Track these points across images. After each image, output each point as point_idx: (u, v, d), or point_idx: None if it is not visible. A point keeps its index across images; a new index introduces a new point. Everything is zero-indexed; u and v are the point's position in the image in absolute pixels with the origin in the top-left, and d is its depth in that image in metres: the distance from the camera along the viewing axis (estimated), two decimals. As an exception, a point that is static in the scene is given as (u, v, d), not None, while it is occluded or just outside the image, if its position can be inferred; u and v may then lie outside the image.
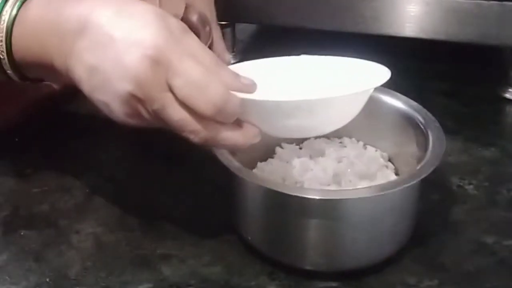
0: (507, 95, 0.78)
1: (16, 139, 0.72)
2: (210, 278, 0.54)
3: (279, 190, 0.51)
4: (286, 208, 0.52)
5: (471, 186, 0.63)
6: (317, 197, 0.50)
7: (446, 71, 0.83)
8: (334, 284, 0.53)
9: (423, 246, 0.56)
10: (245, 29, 0.97)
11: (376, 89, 0.52)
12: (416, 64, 0.84)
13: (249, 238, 0.56)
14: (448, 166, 0.64)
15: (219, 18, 0.71)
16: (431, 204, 0.57)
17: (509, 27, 0.73)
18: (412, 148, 0.58)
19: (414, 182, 0.51)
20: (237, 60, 0.84)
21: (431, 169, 0.51)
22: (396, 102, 0.61)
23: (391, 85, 0.61)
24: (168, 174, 0.67)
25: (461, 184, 0.64)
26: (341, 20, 0.79)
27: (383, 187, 0.53)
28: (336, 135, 0.63)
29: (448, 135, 0.56)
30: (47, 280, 0.55)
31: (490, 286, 0.53)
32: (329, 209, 0.51)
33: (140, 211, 0.62)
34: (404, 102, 0.60)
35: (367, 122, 0.59)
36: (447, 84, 0.80)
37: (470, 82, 0.81)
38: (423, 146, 0.55)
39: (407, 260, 0.55)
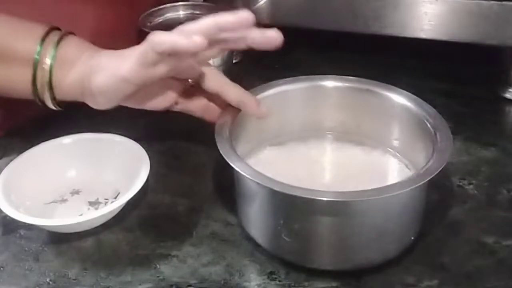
0: (507, 95, 0.77)
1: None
2: (210, 278, 0.54)
3: (285, 191, 0.50)
4: (293, 208, 0.52)
5: (471, 186, 0.63)
6: (325, 199, 0.50)
7: (446, 71, 0.83)
8: (334, 284, 0.53)
9: (423, 246, 0.56)
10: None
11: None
12: (416, 64, 0.84)
13: (253, 235, 0.56)
14: (448, 166, 0.64)
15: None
16: (431, 204, 0.57)
17: (509, 27, 0.73)
18: (418, 147, 0.58)
19: (419, 184, 0.51)
20: (238, 59, 0.84)
21: (437, 171, 0.51)
22: (405, 101, 0.61)
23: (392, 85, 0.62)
24: (168, 173, 0.67)
25: (461, 184, 0.64)
26: (341, 20, 0.79)
27: (388, 189, 0.51)
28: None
29: (448, 135, 0.56)
30: (47, 280, 0.55)
31: (490, 286, 0.53)
32: (336, 210, 0.51)
33: (140, 211, 0.62)
34: (415, 102, 0.60)
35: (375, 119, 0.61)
36: (447, 84, 0.80)
37: (470, 82, 0.80)
38: (430, 146, 0.55)
39: (407, 260, 0.55)
